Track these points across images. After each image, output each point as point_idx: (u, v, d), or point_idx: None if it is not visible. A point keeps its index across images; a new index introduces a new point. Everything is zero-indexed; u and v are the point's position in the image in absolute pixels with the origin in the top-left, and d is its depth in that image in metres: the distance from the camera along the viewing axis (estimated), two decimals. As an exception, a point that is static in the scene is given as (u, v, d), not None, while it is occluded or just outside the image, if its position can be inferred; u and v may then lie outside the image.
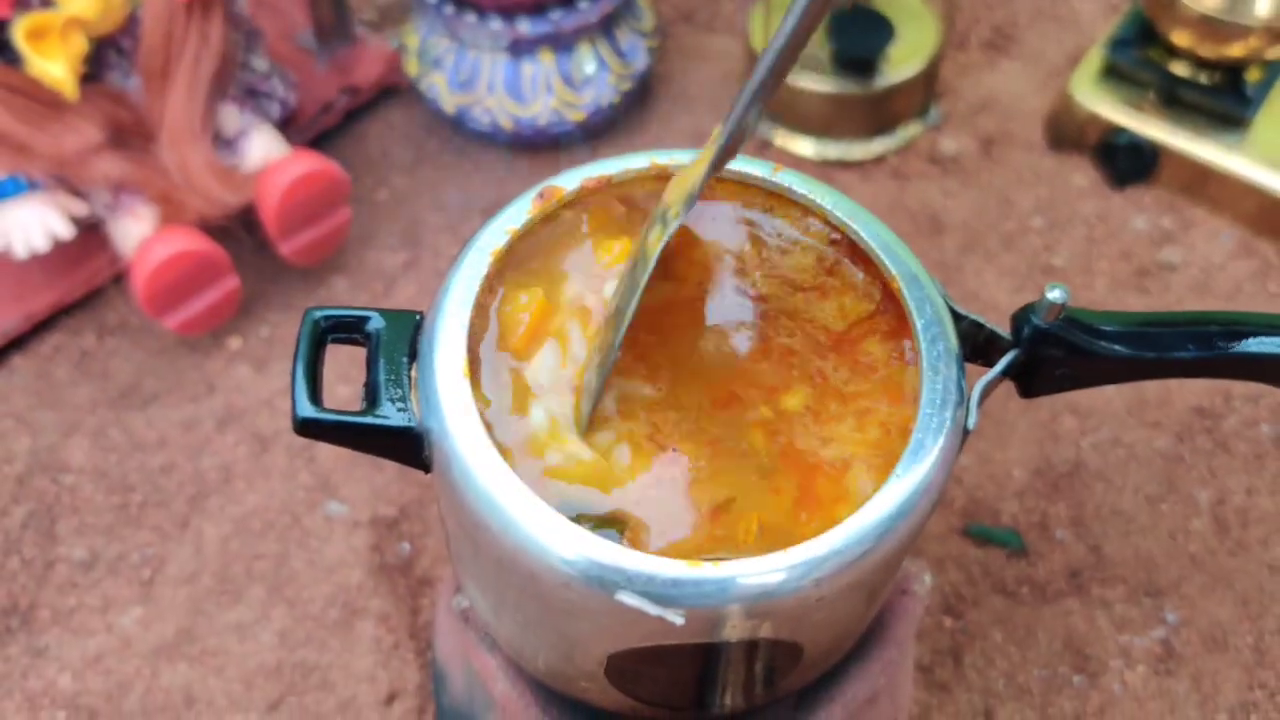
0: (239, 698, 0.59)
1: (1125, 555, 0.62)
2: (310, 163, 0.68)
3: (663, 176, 0.41)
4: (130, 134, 0.65)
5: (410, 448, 0.37)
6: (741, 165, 0.42)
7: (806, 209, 0.41)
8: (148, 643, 0.61)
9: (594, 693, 0.41)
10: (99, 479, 0.66)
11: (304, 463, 0.67)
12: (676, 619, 0.34)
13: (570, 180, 0.41)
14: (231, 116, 0.68)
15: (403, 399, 0.37)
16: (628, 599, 0.33)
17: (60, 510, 0.65)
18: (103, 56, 0.64)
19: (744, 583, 0.33)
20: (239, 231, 0.70)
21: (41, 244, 0.65)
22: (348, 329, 0.39)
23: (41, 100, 0.62)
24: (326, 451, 0.67)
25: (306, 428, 0.37)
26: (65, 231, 0.65)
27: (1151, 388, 0.68)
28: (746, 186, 0.42)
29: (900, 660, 0.48)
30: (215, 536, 0.64)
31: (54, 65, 0.60)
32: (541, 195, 0.40)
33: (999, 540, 0.63)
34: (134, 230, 0.66)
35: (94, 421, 0.68)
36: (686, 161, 0.41)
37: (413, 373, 0.38)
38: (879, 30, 0.78)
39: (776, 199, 0.41)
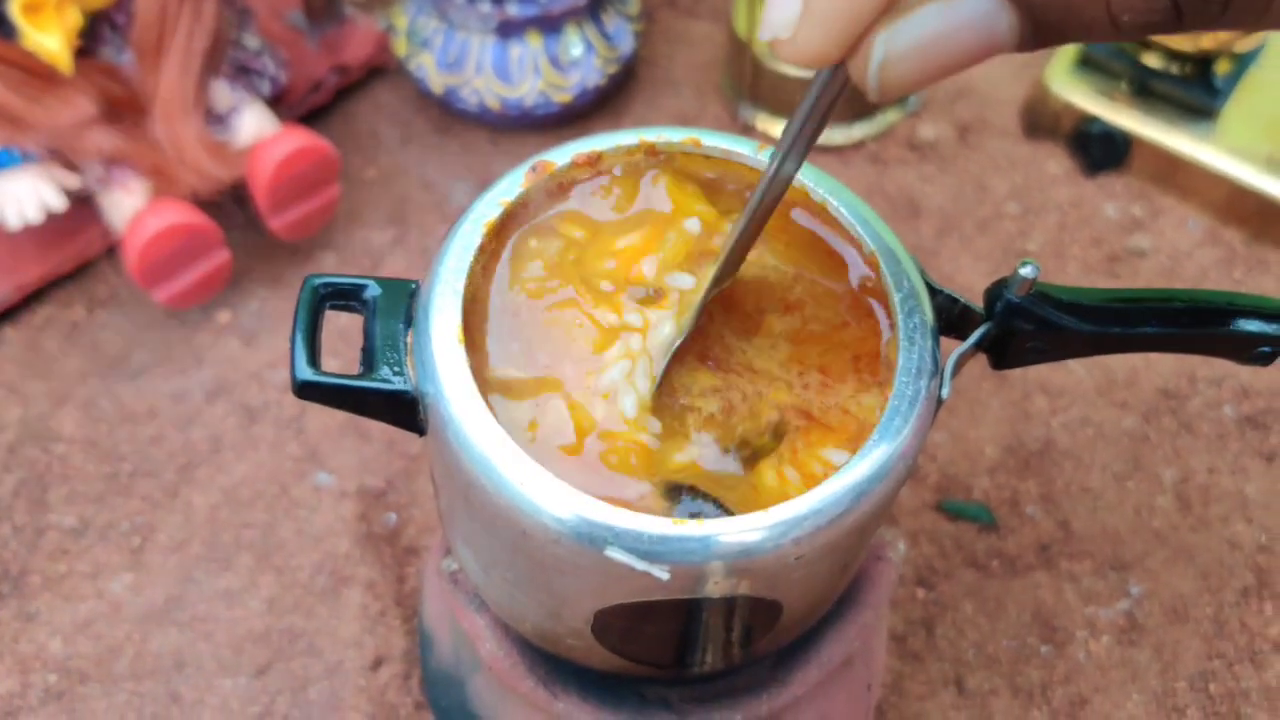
0: (228, 662, 0.60)
1: (1092, 530, 0.64)
2: (302, 139, 0.69)
3: (652, 152, 0.42)
4: (123, 108, 0.66)
5: (405, 411, 0.38)
6: (726, 143, 0.43)
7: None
8: (137, 608, 0.62)
9: (580, 651, 0.43)
10: (89, 448, 0.67)
11: (292, 434, 0.68)
12: (661, 574, 0.35)
13: (562, 155, 0.42)
14: (223, 93, 0.69)
15: (398, 364, 0.38)
16: (616, 554, 0.35)
17: (51, 479, 0.66)
18: (97, 31, 0.65)
19: (725, 540, 0.35)
20: (230, 206, 0.71)
21: (34, 215, 0.66)
22: (345, 296, 0.40)
23: (36, 73, 0.62)
24: (315, 424, 0.68)
25: (305, 390, 0.38)
26: (58, 203, 0.66)
27: (1119, 370, 0.70)
28: (730, 164, 0.43)
29: (875, 624, 0.50)
30: (204, 505, 0.65)
31: (49, 39, 0.61)
32: (534, 169, 0.42)
33: (971, 515, 0.65)
34: (126, 203, 0.67)
35: (84, 392, 0.69)
36: (675, 139, 0.43)
37: (408, 339, 0.39)
38: (860, 18, 0.80)
39: (759, 176, 0.43)
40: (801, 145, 0.34)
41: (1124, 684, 0.59)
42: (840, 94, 0.31)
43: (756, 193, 0.36)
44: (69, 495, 0.65)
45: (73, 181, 0.67)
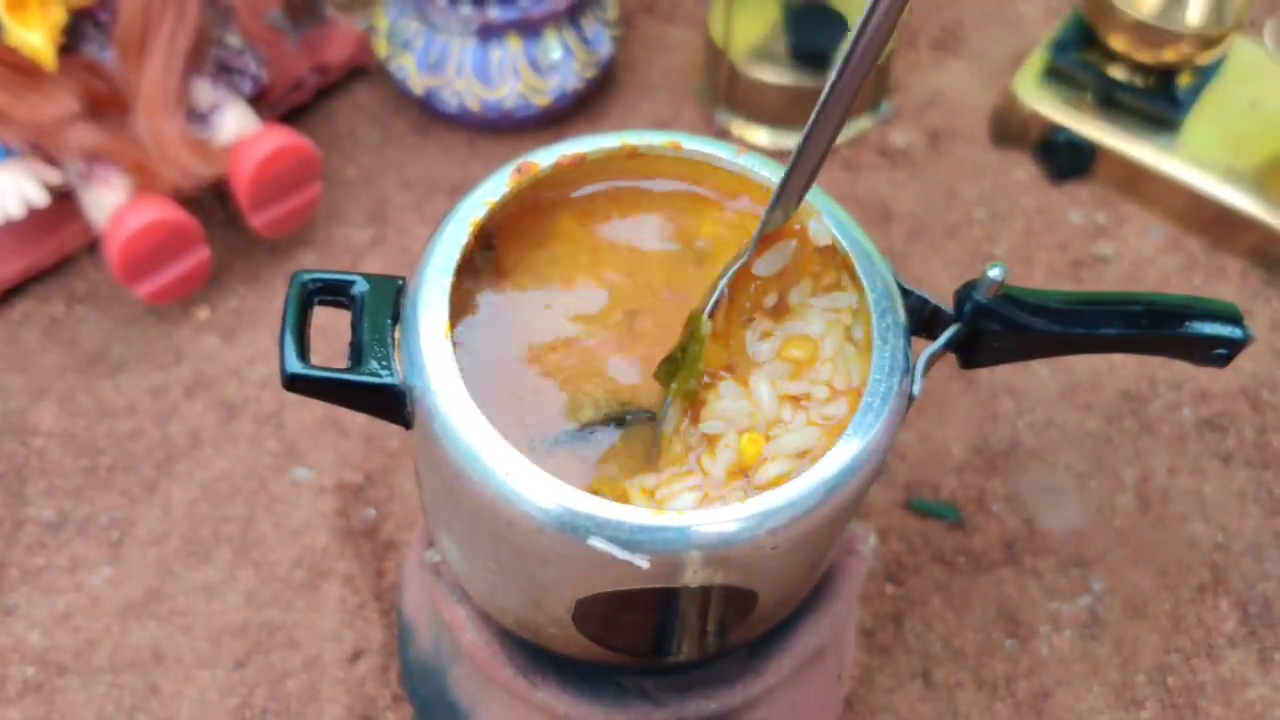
0: (206, 655, 0.61)
1: (1056, 528, 0.66)
2: (284, 137, 0.69)
3: (634, 155, 0.44)
4: (106, 105, 0.66)
5: (392, 404, 0.39)
6: (706, 147, 0.44)
7: (768, 190, 0.44)
8: (116, 601, 0.62)
9: (560, 640, 0.44)
10: (68, 442, 0.67)
11: (271, 430, 0.68)
12: (642, 563, 0.36)
13: (546, 157, 0.43)
14: (205, 91, 0.70)
15: (386, 358, 0.39)
16: (598, 544, 0.36)
17: (29, 472, 0.66)
18: (80, 28, 0.65)
19: (703, 530, 0.36)
20: (210, 203, 0.71)
21: (15, 210, 0.66)
22: (334, 291, 0.41)
23: (20, 69, 0.63)
24: (293, 419, 0.69)
25: (295, 383, 0.39)
26: (39, 199, 0.67)
27: (1083, 373, 0.72)
28: (712, 168, 0.44)
29: (846, 616, 0.51)
30: (183, 500, 0.66)
31: (33, 35, 0.61)
32: (519, 170, 0.43)
33: (939, 513, 0.66)
34: (107, 199, 0.67)
35: (62, 387, 0.69)
36: (656, 143, 0.44)
37: (395, 334, 0.40)
38: (834, 26, 0.82)
39: (738, 180, 0.44)
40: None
41: (1085, 677, 0.61)
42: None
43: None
44: (47, 489, 0.66)
45: (54, 177, 0.68)
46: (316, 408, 0.68)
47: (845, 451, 0.38)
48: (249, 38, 0.74)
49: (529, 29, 0.77)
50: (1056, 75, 0.82)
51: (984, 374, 0.71)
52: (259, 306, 0.74)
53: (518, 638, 0.47)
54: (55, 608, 0.62)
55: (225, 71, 0.71)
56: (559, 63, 0.79)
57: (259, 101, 0.75)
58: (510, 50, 0.77)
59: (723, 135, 0.84)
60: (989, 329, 0.42)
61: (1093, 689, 0.61)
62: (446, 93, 0.78)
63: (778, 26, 0.83)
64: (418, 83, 0.79)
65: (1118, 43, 0.78)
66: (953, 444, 0.69)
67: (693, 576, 0.37)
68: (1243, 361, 0.72)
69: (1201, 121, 0.80)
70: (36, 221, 0.70)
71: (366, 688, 0.60)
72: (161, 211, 0.67)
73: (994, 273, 0.41)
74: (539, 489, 0.36)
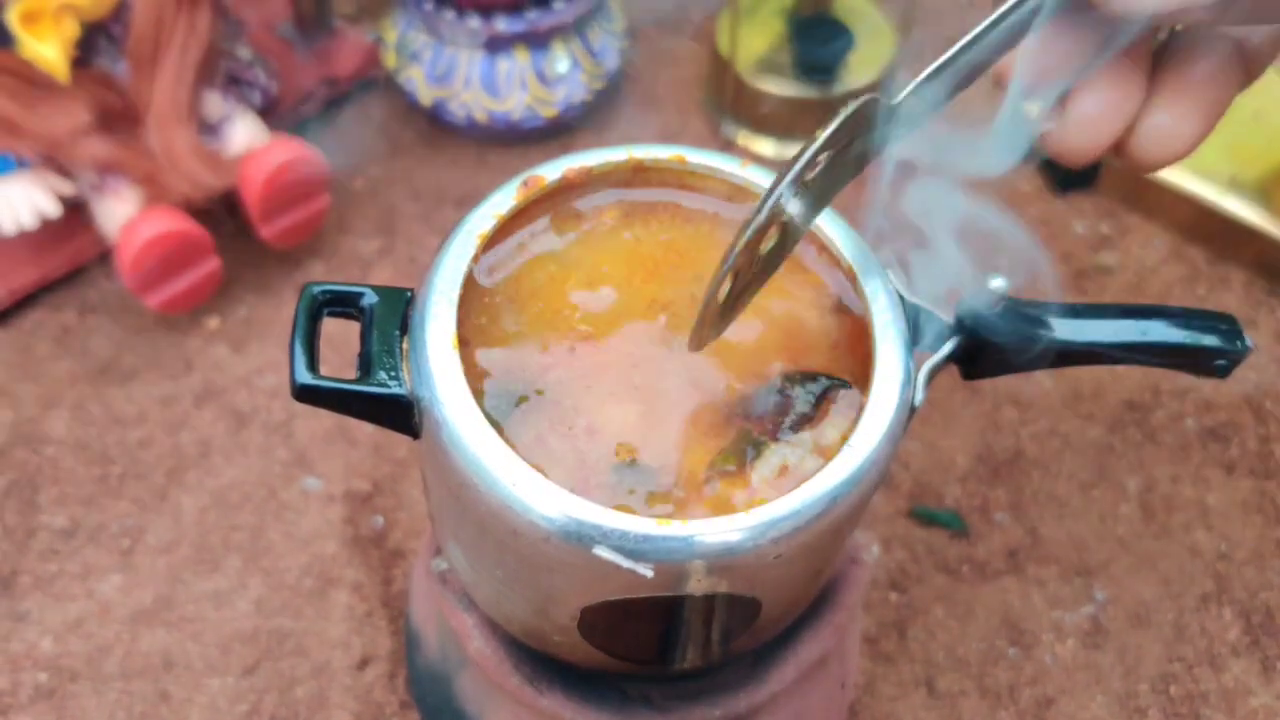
0: (216, 662, 0.61)
1: (1059, 537, 0.66)
2: (292, 149, 0.70)
3: (640, 168, 0.44)
4: (118, 117, 0.67)
5: (401, 414, 0.40)
6: (710, 160, 0.45)
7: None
8: (127, 608, 0.63)
9: (566, 648, 0.44)
10: (79, 451, 0.68)
11: (281, 439, 0.69)
12: (646, 572, 0.37)
13: (552, 170, 0.44)
14: (215, 103, 0.70)
15: (394, 369, 0.40)
16: (603, 553, 0.36)
17: (41, 480, 0.67)
18: (93, 41, 0.66)
19: (707, 540, 0.36)
20: (220, 214, 0.72)
21: (29, 221, 0.67)
22: (343, 303, 0.42)
23: (33, 82, 0.64)
24: (303, 428, 0.69)
25: (304, 394, 0.39)
26: (52, 210, 0.67)
27: (1086, 382, 0.72)
28: (715, 180, 0.45)
29: (849, 625, 0.51)
30: (193, 508, 0.66)
31: (47, 48, 0.62)
32: (525, 184, 0.43)
33: (942, 522, 0.66)
34: (119, 211, 0.68)
35: (74, 395, 0.70)
36: (662, 156, 0.44)
37: (404, 345, 0.41)
38: (840, 38, 0.82)
39: (740, 191, 0.45)
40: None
41: (1088, 686, 0.61)
42: None
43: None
44: (59, 497, 0.66)
45: (67, 188, 0.68)
46: (325, 417, 0.69)
47: (848, 461, 0.38)
48: (259, 50, 0.75)
49: (536, 41, 0.78)
50: (1060, 86, 0.82)
51: (987, 383, 0.72)
52: (268, 316, 0.74)
53: (524, 645, 0.47)
54: (67, 614, 0.62)
55: (235, 83, 0.72)
56: (566, 74, 0.79)
57: (269, 113, 0.75)
58: (518, 62, 0.78)
59: (728, 146, 0.85)
60: (991, 341, 0.42)
61: (1095, 698, 0.61)
62: (454, 104, 0.79)
63: (783, 39, 0.84)
64: (426, 94, 0.80)
65: (1121, 54, 0.78)
66: (956, 453, 0.69)
67: (697, 585, 0.38)
68: (1246, 371, 0.72)
69: (1204, 133, 0.80)
70: (49, 232, 0.70)
71: (374, 695, 0.60)
72: (172, 222, 0.67)
73: (995, 285, 0.41)
74: (545, 498, 0.37)
